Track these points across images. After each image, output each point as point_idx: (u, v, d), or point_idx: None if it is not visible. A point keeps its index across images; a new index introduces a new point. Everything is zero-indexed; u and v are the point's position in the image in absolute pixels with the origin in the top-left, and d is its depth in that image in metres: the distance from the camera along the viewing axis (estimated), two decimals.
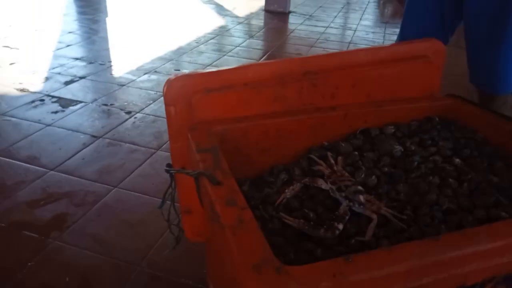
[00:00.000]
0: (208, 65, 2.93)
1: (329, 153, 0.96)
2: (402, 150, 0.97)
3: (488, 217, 0.78)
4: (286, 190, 0.88)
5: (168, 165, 0.94)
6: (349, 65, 1.00)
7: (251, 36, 3.76)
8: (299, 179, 0.91)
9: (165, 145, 1.87)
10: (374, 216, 0.79)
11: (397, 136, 1.03)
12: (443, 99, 1.10)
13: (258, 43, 3.65)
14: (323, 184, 0.87)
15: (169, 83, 0.88)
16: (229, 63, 3.03)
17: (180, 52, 3.21)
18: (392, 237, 0.76)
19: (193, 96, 0.89)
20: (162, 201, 0.93)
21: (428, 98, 1.12)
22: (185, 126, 0.90)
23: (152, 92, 2.44)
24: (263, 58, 3.18)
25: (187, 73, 0.90)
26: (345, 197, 0.82)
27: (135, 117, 2.13)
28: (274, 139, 0.96)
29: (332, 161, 0.92)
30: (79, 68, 2.75)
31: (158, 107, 2.26)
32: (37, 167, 1.63)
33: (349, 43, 3.67)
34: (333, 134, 1.03)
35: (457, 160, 0.92)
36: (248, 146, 0.94)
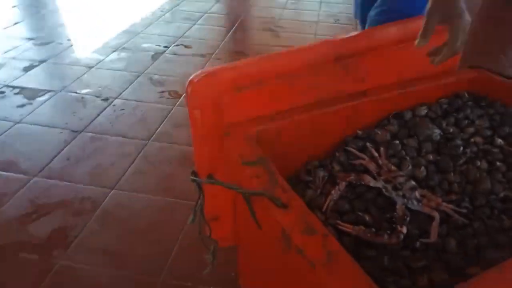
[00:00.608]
0: (180, 37, 2.72)
1: (368, 144, 0.89)
2: (442, 133, 0.92)
3: None
4: (332, 192, 0.81)
5: (193, 173, 0.85)
6: (380, 44, 0.92)
7: (218, 1, 3.52)
8: (341, 176, 0.84)
9: (155, 134, 1.73)
10: (435, 214, 0.75)
11: (431, 117, 0.97)
12: (467, 72, 1.06)
13: (226, 8, 3.44)
14: (372, 181, 0.82)
15: (193, 84, 0.76)
16: (204, 33, 2.83)
17: (145, 23, 2.95)
18: (457, 235, 0.72)
19: (221, 96, 0.78)
20: (193, 214, 0.84)
21: (451, 72, 1.06)
22: (213, 130, 0.80)
23: (126, 73, 2.24)
24: (235, 26, 3.00)
25: (211, 70, 0.78)
26: (402, 195, 0.77)
27: (114, 105, 1.94)
28: (309, 133, 0.88)
29: (375, 154, 0.86)
30: (35, 51, 2.46)
31: (137, 90, 2.08)
32: (17, 175, 1.45)
33: (321, 1, 3.53)
34: (366, 121, 0.96)
35: (499, 140, 0.89)
36: (283, 144, 0.86)
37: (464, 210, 0.76)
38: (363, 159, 0.87)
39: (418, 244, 0.71)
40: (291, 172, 0.90)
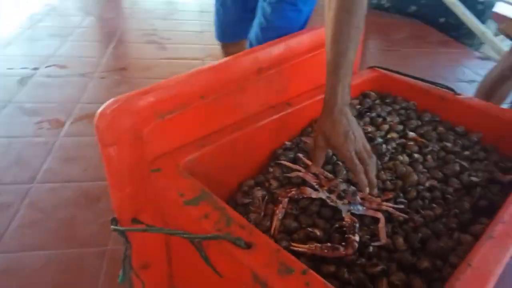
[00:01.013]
0: (51, 56, 2.37)
1: (300, 155, 0.87)
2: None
3: (463, 184, 0.83)
4: (277, 211, 0.76)
5: (114, 221, 0.71)
6: (297, 53, 0.91)
7: (88, 14, 3.20)
8: (282, 193, 0.80)
9: (40, 174, 1.45)
10: (380, 215, 0.76)
11: None
12: (369, 72, 1.13)
13: (99, 21, 3.14)
14: (313, 193, 0.79)
15: (105, 117, 0.63)
16: (78, 50, 2.52)
17: (3, 43, 2.50)
18: (401, 232, 0.74)
19: (142, 127, 0.66)
20: (122, 271, 0.71)
21: (356, 73, 1.12)
22: (134, 167, 0.68)
23: None
24: (115, 41, 2.75)
25: (125, 97, 0.66)
26: (347, 202, 0.76)
27: None
28: (242, 152, 0.82)
29: (309, 162, 0.84)
30: None
31: (6, 124, 1.73)
32: None
33: (201, 11, 3.49)
34: (292, 131, 0.94)
35: (411, 133, 0.96)
36: (217, 168, 0.78)
37: (402, 206, 0.79)
38: (299, 170, 0.84)
39: (371, 249, 0.71)
40: (225, 196, 0.83)
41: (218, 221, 0.56)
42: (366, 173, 0.72)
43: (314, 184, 0.80)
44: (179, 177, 0.64)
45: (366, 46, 3.02)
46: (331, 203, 0.77)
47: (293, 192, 0.79)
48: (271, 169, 0.86)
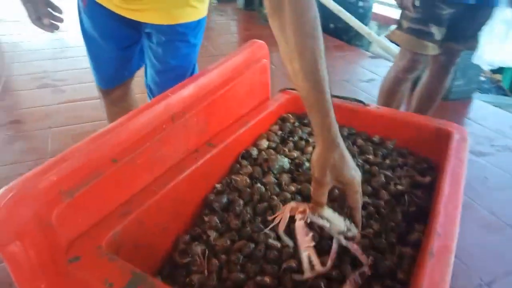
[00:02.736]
0: None
1: (237, 198, 0.83)
2: (290, 160, 0.94)
3: (391, 195, 0.87)
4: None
5: None
6: (209, 91, 0.87)
7: None
8: (223, 245, 0.75)
9: None
10: (334, 246, 0.73)
11: (272, 148, 0.99)
12: (282, 95, 1.13)
13: None
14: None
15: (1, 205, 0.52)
16: None
17: None
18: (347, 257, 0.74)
19: (50, 211, 0.56)
20: None
21: (269, 99, 1.12)
22: (47, 260, 0.57)
23: None
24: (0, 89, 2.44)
25: (22, 180, 0.55)
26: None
27: None
28: (172, 208, 0.75)
29: (243, 210, 0.80)
30: None
31: None
32: None
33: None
34: (221, 171, 0.89)
35: None
36: (148, 234, 0.70)
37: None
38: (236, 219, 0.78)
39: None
40: (163, 260, 0.75)
41: None
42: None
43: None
44: (104, 262, 0.55)
45: (271, 61, 3.13)
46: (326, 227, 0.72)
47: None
48: (206, 218, 0.81)
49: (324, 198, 0.70)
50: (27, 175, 0.56)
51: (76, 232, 0.59)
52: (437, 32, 1.39)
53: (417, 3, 1.35)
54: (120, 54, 1.11)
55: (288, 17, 0.65)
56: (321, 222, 0.71)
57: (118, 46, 1.09)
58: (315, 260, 0.68)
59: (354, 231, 0.71)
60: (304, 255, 0.69)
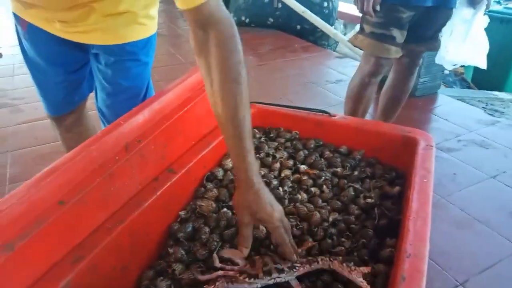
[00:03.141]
0: None
1: (202, 225, 0.79)
2: None
3: (361, 209, 0.85)
4: None
5: None
6: (165, 115, 0.82)
7: None
8: (189, 278, 0.71)
9: None
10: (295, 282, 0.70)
11: None
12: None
13: None
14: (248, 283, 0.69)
15: None
16: None
17: None
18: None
19: None
20: None
21: None
22: None
23: None
24: None
25: None
26: (287, 273, 0.67)
27: None
28: (132, 245, 0.70)
29: (234, 258, 0.73)
30: None
31: None
32: None
33: None
34: (184, 198, 0.85)
35: (302, 167, 0.96)
36: (106, 277, 0.65)
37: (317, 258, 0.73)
38: (221, 268, 0.71)
39: None
40: None
41: None
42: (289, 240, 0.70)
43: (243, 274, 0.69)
44: None
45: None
46: (281, 280, 0.68)
47: (219, 283, 0.66)
48: (171, 250, 0.76)
49: (248, 239, 0.71)
50: None
51: None
52: (398, 35, 1.39)
53: (377, 8, 1.35)
54: (68, 78, 1.05)
55: (213, 59, 0.66)
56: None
57: (65, 70, 1.03)
58: None
59: (287, 270, 0.67)
60: None
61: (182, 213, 0.83)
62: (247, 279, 0.64)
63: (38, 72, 1.04)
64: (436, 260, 1.27)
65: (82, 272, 0.59)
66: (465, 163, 1.78)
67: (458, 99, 2.48)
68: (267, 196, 0.70)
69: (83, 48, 0.98)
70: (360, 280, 0.65)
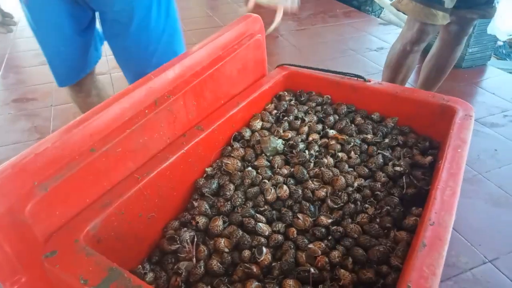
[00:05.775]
0: None
1: (227, 182, 0.80)
2: (283, 142, 0.91)
3: (389, 176, 0.83)
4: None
5: None
6: (196, 72, 0.82)
7: None
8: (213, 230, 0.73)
9: None
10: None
11: (267, 128, 0.96)
12: (278, 72, 1.08)
13: None
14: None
15: None
16: None
17: None
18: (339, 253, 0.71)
19: (23, 205, 0.55)
20: None
21: (266, 75, 1.07)
22: (25, 255, 0.56)
23: None
24: (1, 68, 2.42)
25: None
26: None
27: None
28: (158, 196, 0.73)
29: (233, 194, 0.77)
30: None
31: None
32: None
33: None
34: (211, 155, 0.86)
35: (331, 132, 0.94)
36: (132, 223, 0.68)
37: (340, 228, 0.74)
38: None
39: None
40: (150, 247, 0.74)
41: None
42: None
43: None
44: (80, 257, 0.54)
45: (278, 29, 3.02)
46: None
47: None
48: (195, 204, 0.79)
49: None
50: (5, 166, 0.54)
51: (53, 226, 0.58)
52: None
53: None
54: (78, 40, 1.05)
55: None
56: None
57: (75, 30, 1.02)
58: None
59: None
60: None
61: (208, 169, 0.85)
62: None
63: (48, 37, 1.03)
64: (466, 235, 1.23)
65: (108, 217, 0.63)
66: (509, 139, 1.68)
67: (509, 72, 2.30)
68: None
69: (88, 3, 0.99)
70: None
